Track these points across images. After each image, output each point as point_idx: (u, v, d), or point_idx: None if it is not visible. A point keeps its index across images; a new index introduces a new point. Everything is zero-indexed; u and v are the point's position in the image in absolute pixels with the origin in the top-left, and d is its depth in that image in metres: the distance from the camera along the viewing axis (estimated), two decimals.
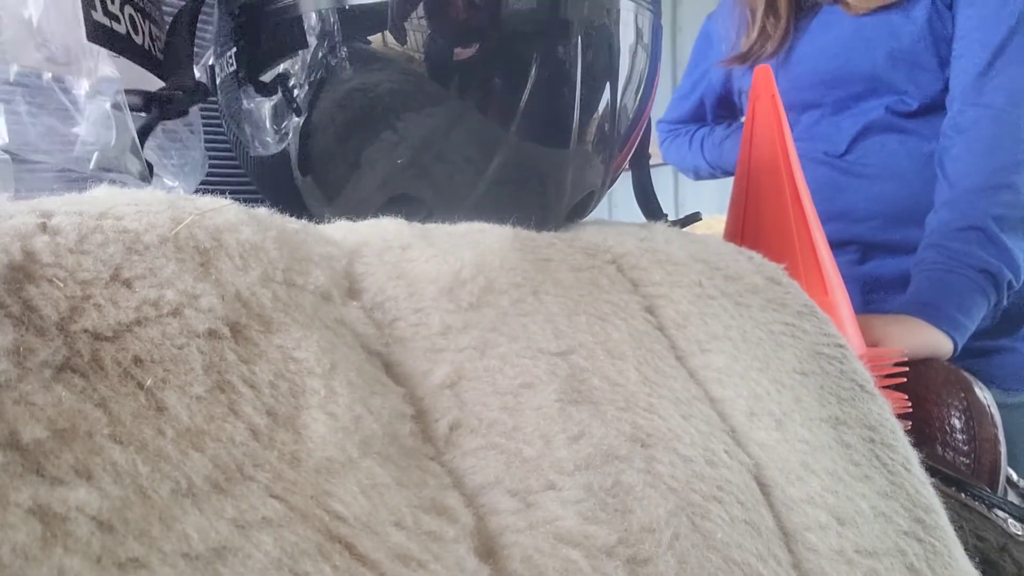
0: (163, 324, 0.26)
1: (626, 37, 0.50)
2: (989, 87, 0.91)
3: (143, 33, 0.47)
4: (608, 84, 0.50)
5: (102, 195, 0.30)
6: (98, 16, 0.44)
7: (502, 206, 0.47)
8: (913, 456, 0.49)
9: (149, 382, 0.24)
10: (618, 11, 0.49)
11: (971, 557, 0.48)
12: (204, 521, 0.22)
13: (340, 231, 0.41)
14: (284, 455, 0.25)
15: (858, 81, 1.00)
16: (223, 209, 0.33)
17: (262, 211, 0.36)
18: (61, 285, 0.25)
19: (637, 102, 0.53)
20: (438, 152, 0.48)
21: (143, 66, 0.47)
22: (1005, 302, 0.90)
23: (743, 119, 1.21)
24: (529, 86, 0.46)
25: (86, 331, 0.24)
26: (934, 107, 0.98)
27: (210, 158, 0.54)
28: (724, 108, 1.25)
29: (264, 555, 0.22)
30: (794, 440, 0.43)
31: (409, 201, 0.49)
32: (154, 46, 0.48)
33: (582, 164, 0.52)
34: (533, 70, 0.46)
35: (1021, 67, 0.91)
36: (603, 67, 0.49)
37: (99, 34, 0.44)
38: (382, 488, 0.26)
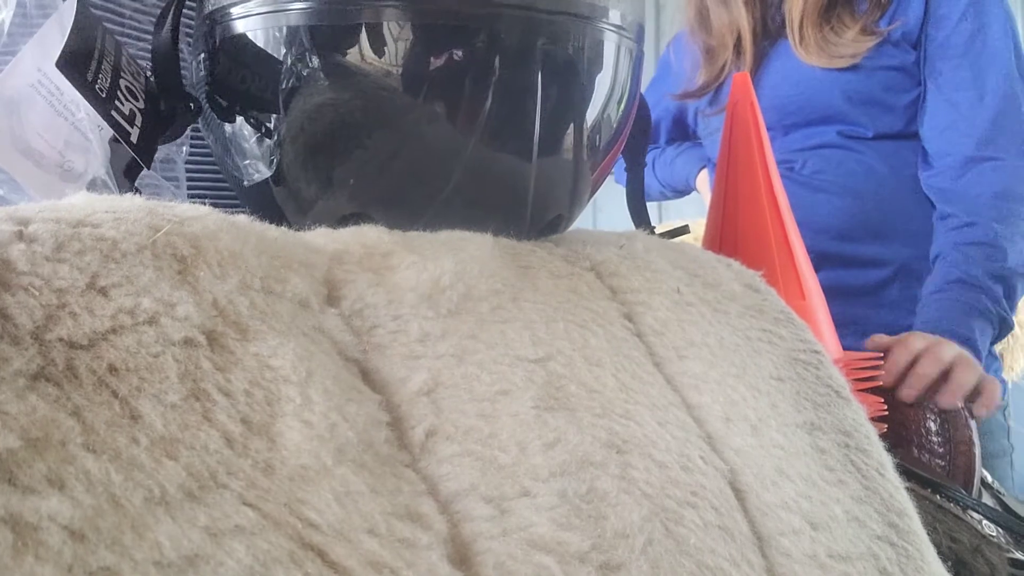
0: (139, 332, 0.26)
1: (607, 66, 0.50)
2: (997, 139, 0.95)
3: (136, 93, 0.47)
4: (587, 108, 0.50)
5: (80, 202, 0.31)
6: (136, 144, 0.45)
7: (473, 221, 0.47)
8: (887, 461, 0.49)
9: (124, 390, 0.24)
10: (601, 42, 0.49)
11: (945, 558, 0.48)
12: (177, 529, 0.22)
13: (321, 238, 0.41)
14: (258, 463, 0.26)
15: (815, 109, 1.04)
16: (202, 217, 0.33)
17: (242, 218, 0.36)
18: (37, 293, 0.25)
19: (616, 122, 0.54)
20: (407, 167, 0.48)
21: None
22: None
23: (695, 140, 1.24)
24: (490, 102, 0.46)
25: (61, 340, 0.24)
26: (889, 135, 1.02)
27: (191, 165, 0.54)
28: (677, 130, 1.28)
29: (236, 563, 0.22)
30: (769, 446, 0.43)
31: (373, 217, 0.48)
32: (138, 90, 0.48)
33: (555, 183, 0.52)
34: (493, 88, 0.46)
35: (1019, 118, 0.96)
36: (583, 91, 0.50)
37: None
38: (356, 495, 0.27)
